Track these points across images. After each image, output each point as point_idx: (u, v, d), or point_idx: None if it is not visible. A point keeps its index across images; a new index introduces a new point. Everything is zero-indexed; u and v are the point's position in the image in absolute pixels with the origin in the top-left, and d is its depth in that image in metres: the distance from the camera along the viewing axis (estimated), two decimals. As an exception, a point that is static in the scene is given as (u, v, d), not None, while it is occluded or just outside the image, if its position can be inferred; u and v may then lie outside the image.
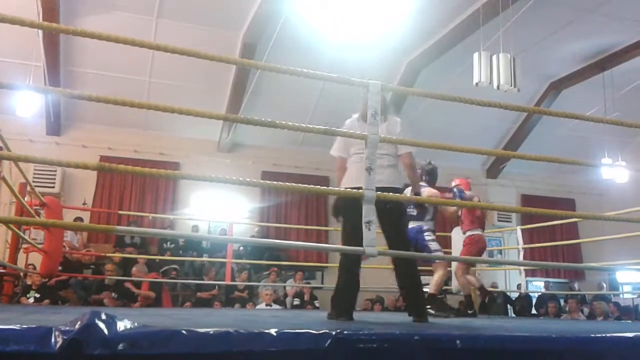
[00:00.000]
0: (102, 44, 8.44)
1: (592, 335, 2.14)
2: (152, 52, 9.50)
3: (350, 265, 3.85)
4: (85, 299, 7.99)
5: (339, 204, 3.86)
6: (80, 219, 9.54)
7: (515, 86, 7.97)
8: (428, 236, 5.57)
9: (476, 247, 6.31)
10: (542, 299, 10.71)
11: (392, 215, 3.56)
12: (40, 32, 8.46)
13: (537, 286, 13.00)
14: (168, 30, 9.26)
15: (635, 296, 12.00)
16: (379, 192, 2.94)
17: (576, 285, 12.89)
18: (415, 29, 9.38)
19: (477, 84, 7.96)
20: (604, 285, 12.64)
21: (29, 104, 9.30)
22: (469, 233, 6.42)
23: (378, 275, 10.05)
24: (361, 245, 2.93)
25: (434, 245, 5.57)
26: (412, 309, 3.77)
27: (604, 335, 2.12)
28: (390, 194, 3.37)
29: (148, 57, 9.84)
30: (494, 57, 7.95)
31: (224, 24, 9.32)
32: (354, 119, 3.92)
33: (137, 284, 7.88)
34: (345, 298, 3.80)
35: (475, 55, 8.01)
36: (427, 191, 5.59)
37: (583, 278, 13.49)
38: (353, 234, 3.43)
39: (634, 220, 4.00)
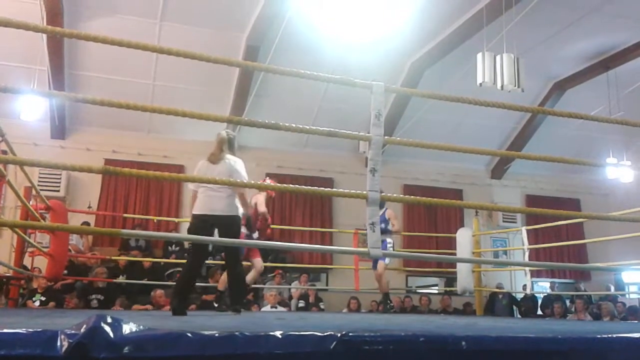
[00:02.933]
0: (106, 48, 8.49)
1: (598, 336, 2.13)
2: (156, 55, 9.53)
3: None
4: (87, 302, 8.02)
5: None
6: (87, 223, 9.56)
7: (519, 86, 7.96)
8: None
9: None
10: (548, 299, 10.68)
11: (229, 233, 4.59)
12: (45, 36, 8.50)
13: (542, 287, 12.96)
14: (171, 33, 9.28)
15: (642, 296, 11.95)
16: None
17: (582, 286, 12.84)
18: (418, 30, 9.38)
19: (480, 84, 7.95)
20: (612, 286, 12.59)
21: (33, 107, 9.33)
22: None
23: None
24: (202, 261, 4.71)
25: None
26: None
27: (610, 335, 2.11)
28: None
29: (152, 60, 9.86)
30: (498, 58, 7.94)
31: (227, 26, 9.34)
32: (202, 162, 4.91)
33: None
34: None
35: (479, 55, 8.01)
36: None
37: (589, 278, 13.44)
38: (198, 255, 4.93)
39: (640, 220, 4.00)
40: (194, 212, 4.73)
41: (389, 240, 6.67)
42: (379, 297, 10.31)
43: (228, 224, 4.58)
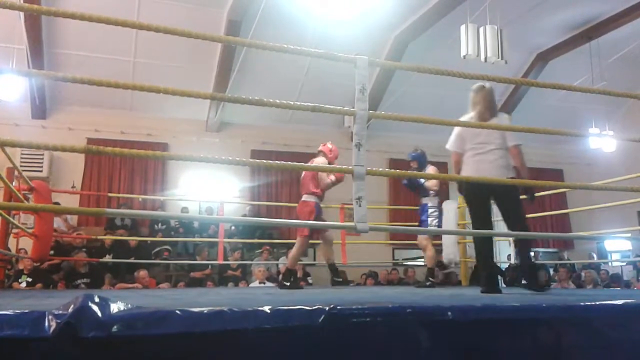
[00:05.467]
0: (85, 25, 8.37)
1: (582, 304, 2.17)
2: (136, 32, 9.39)
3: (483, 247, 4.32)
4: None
5: (468, 189, 4.36)
6: (57, 204, 9.47)
7: (502, 58, 7.97)
8: (431, 213, 6.28)
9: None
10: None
11: (511, 198, 4.19)
12: (22, 14, 8.33)
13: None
14: (151, 9, 9.13)
15: (624, 264, 12.18)
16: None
17: (565, 255, 13.04)
18: (401, 3, 9.31)
19: (464, 56, 7.95)
20: (594, 255, 12.79)
21: (13, 87, 9.19)
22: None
23: (371, 250, 10.14)
24: (488, 226, 4.20)
25: (430, 221, 6.25)
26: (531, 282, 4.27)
27: (593, 303, 2.15)
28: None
29: (132, 37, 9.72)
30: (481, 30, 7.93)
31: (208, 1, 9.21)
32: (467, 118, 4.36)
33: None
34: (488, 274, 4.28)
35: (462, 27, 7.99)
36: (432, 168, 6.34)
37: (572, 247, 13.65)
38: (480, 216, 4.28)
39: (622, 189, 4.04)
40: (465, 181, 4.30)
41: (429, 204, 6.36)
42: (366, 271, 10.45)
43: (508, 189, 4.07)
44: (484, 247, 4.29)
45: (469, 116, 4.37)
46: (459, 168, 4.39)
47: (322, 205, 6.11)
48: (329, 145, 6.08)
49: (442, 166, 13.12)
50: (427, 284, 6.20)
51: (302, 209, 5.96)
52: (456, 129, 4.42)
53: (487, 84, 4.36)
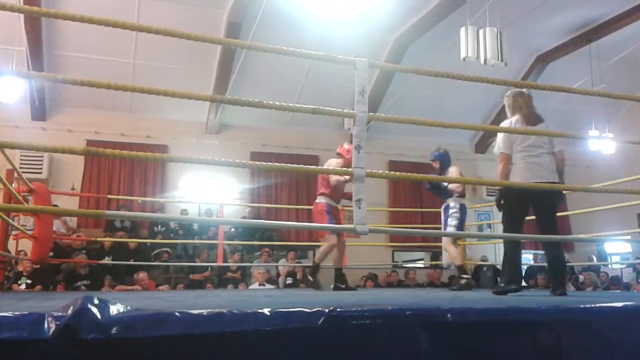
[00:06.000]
0: (84, 27, 8.36)
1: (582, 306, 2.17)
2: (136, 34, 9.40)
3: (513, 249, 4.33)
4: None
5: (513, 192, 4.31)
6: (55, 206, 9.47)
7: (502, 60, 7.97)
8: (452, 213, 6.13)
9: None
10: (532, 270, 10.83)
11: (550, 206, 4.33)
12: (22, 16, 8.33)
13: (526, 258, 13.12)
14: (151, 10, 9.14)
15: (624, 266, 12.17)
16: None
17: (566, 257, 13.02)
18: (401, 5, 9.32)
19: (464, 59, 7.95)
20: (594, 257, 12.78)
21: (12, 89, 9.17)
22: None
23: (371, 252, 10.13)
24: (520, 231, 4.21)
25: (449, 222, 6.11)
26: (556, 286, 4.19)
27: (593, 305, 2.15)
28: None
29: (132, 39, 9.73)
30: (481, 32, 7.92)
31: (208, 3, 9.22)
32: (513, 122, 4.37)
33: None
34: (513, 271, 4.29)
35: (462, 30, 7.98)
36: (455, 169, 6.16)
37: (572, 249, 13.64)
38: (519, 220, 4.29)
39: (622, 191, 4.05)
40: (515, 180, 4.28)
41: (451, 204, 6.18)
42: (366, 273, 10.43)
43: (555, 196, 4.26)
44: (515, 252, 4.32)
45: (513, 119, 4.38)
46: (507, 170, 4.34)
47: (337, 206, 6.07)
48: (346, 146, 6.04)
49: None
50: (462, 282, 5.90)
51: (315, 210, 6.02)
52: (502, 133, 4.43)
53: (525, 90, 4.51)
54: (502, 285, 4.24)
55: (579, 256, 13.25)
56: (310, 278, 5.98)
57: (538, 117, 4.42)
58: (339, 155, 5.99)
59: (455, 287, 6.12)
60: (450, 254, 6.24)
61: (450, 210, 6.17)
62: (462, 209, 6.20)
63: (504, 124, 4.43)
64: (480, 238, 11.31)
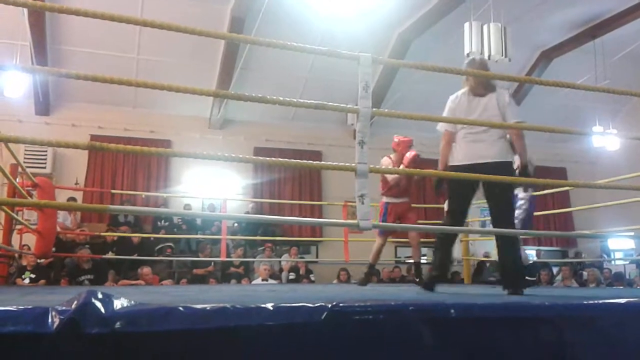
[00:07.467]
0: (88, 22, 8.36)
1: (585, 302, 2.17)
2: (140, 29, 9.38)
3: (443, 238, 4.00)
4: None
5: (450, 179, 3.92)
6: (73, 199, 9.51)
7: (506, 56, 7.95)
8: (520, 205, 5.71)
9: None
10: (535, 267, 10.81)
11: (498, 190, 3.75)
12: (26, 10, 8.33)
13: (529, 255, 13.12)
14: (154, 5, 9.13)
15: (627, 262, 12.15)
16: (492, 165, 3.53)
17: (573, 253, 13.02)
18: (405, 0, 9.29)
19: (468, 54, 7.92)
20: (604, 255, 12.77)
21: (16, 84, 9.19)
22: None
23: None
24: (463, 219, 3.82)
25: (516, 214, 5.51)
26: (508, 283, 3.72)
27: (596, 301, 2.15)
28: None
29: (135, 34, 9.72)
30: (485, 27, 7.90)
31: (212, -2, 9.21)
32: (460, 94, 3.93)
33: None
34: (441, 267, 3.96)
35: (466, 25, 7.96)
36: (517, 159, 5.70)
37: (575, 246, 13.63)
38: (460, 206, 3.87)
39: (625, 188, 4.03)
40: (453, 164, 3.83)
41: (520, 195, 5.76)
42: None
43: (502, 176, 3.56)
44: (446, 243, 3.96)
45: (460, 92, 3.94)
46: (448, 150, 3.92)
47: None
48: (395, 139, 6.07)
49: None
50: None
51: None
52: (447, 107, 3.95)
53: (478, 57, 4.11)
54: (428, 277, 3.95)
55: (583, 252, 13.24)
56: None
57: (487, 86, 3.80)
58: (393, 150, 6.10)
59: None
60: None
61: (519, 202, 5.76)
62: (531, 202, 5.82)
63: (450, 97, 3.98)
64: (483, 234, 11.29)
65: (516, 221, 5.49)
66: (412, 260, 6.58)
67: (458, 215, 3.89)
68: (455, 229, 3.99)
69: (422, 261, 6.24)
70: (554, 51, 11.49)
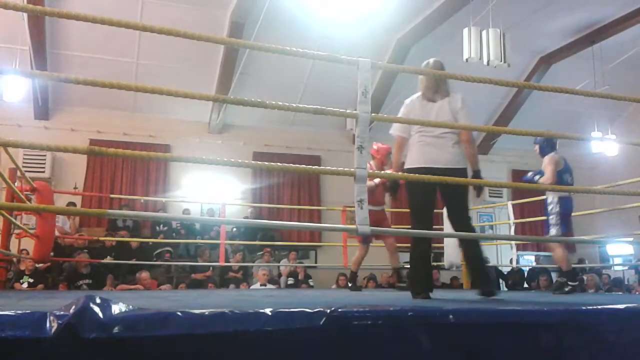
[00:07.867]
0: (88, 26, 8.38)
1: (584, 308, 2.16)
2: (139, 33, 9.41)
3: (422, 248, 3.81)
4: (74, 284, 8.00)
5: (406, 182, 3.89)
6: (73, 203, 9.50)
7: (505, 61, 7.96)
8: (550, 210, 5.59)
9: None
10: (534, 272, 10.82)
11: (457, 195, 3.73)
12: (25, 15, 8.34)
13: (528, 260, 13.12)
14: (154, 10, 9.15)
15: (626, 268, 12.15)
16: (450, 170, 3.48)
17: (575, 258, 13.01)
18: (404, 5, 9.31)
19: (467, 60, 7.94)
20: (610, 259, 12.78)
21: (16, 88, 9.20)
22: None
23: (372, 253, 10.09)
24: (429, 223, 3.71)
25: (550, 219, 5.59)
26: (479, 284, 3.76)
27: (596, 307, 2.15)
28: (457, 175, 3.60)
29: (135, 39, 9.74)
30: (484, 33, 7.92)
31: (211, 3, 9.22)
32: (414, 99, 3.92)
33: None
34: (421, 277, 3.76)
35: (465, 31, 7.98)
36: (549, 157, 5.56)
37: (574, 251, 13.61)
38: (422, 211, 3.77)
39: (624, 193, 4.03)
40: (409, 167, 3.78)
41: (549, 199, 5.61)
42: (367, 274, 10.42)
43: (455, 180, 3.46)
44: (421, 248, 3.77)
45: (414, 96, 3.93)
46: (401, 155, 3.91)
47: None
48: (374, 146, 6.03)
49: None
50: (566, 289, 5.31)
51: None
52: (401, 111, 3.91)
53: (432, 59, 3.95)
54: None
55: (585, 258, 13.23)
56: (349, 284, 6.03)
57: (438, 90, 3.79)
58: (372, 156, 6.05)
59: (557, 292, 5.47)
60: (556, 256, 5.72)
61: (549, 207, 5.62)
62: (563, 203, 5.58)
63: (405, 102, 3.97)
64: (483, 239, 11.29)
65: (553, 230, 5.50)
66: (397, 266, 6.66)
67: (424, 221, 3.78)
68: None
69: (402, 266, 6.27)
70: (552, 57, 11.51)
